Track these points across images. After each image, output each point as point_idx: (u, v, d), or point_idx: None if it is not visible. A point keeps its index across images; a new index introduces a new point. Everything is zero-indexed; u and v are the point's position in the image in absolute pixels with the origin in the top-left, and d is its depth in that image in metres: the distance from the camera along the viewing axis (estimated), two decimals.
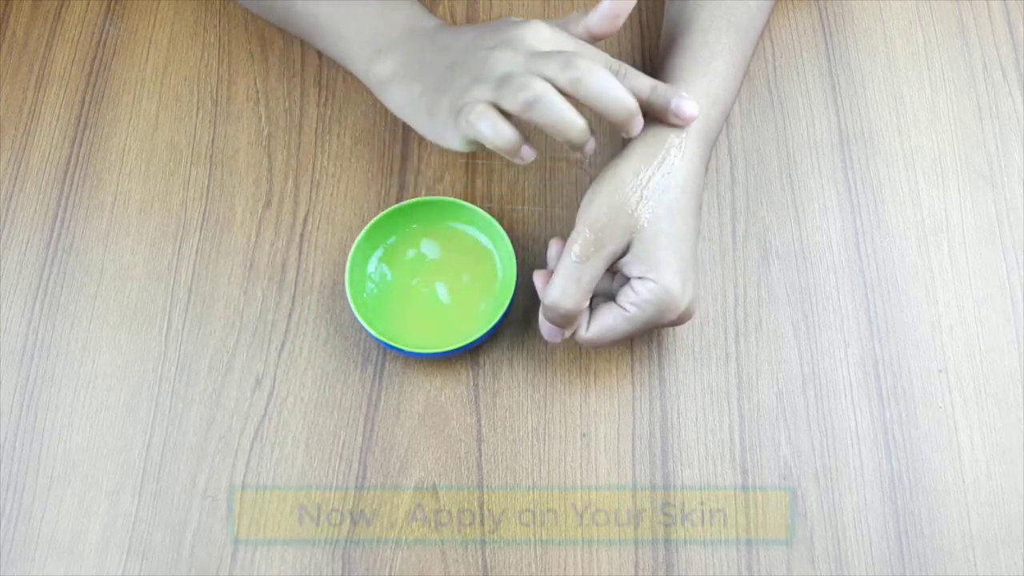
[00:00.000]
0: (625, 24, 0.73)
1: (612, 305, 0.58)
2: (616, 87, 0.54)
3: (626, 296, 0.57)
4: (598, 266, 0.57)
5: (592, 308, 0.59)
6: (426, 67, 0.58)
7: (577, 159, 0.68)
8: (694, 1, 0.64)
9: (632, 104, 0.54)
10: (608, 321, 0.58)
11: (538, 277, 0.60)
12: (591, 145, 0.55)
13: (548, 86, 0.53)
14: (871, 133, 0.69)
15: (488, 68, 0.54)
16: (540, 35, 0.55)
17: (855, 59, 0.72)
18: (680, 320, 0.58)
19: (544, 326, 0.59)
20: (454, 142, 0.56)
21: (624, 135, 0.57)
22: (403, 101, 0.59)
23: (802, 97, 0.70)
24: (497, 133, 0.54)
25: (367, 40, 0.61)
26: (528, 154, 0.55)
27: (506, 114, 0.54)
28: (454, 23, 0.73)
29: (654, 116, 0.59)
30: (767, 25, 0.71)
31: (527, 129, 0.56)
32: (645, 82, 0.57)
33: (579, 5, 0.74)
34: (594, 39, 0.58)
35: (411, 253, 0.65)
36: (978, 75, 0.71)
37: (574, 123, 0.53)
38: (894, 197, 0.67)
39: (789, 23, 0.73)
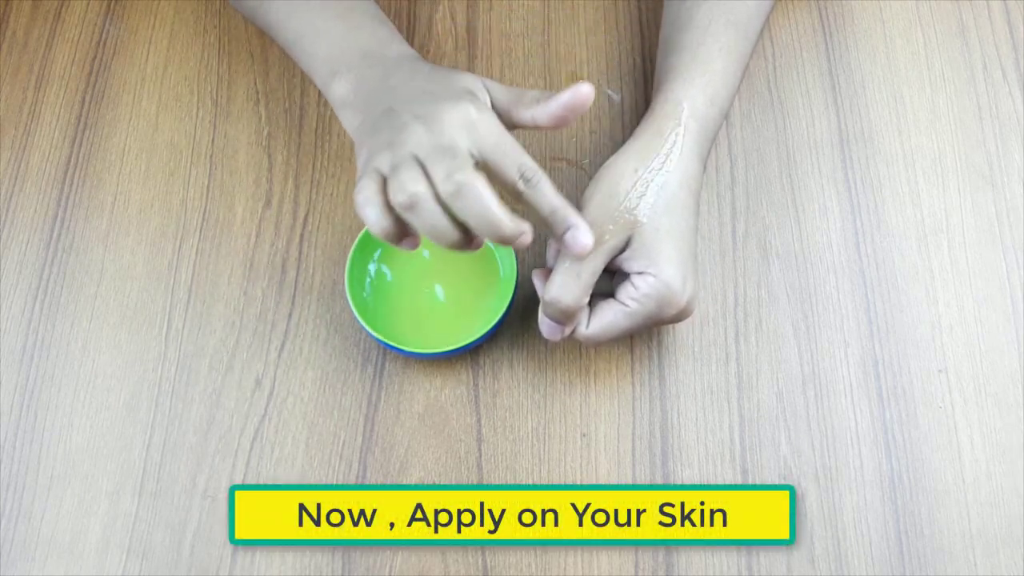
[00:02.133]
0: (624, 25, 0.73)
1: (612, 301, 0.58)
2: (491, 215, 0.50)
3: (626, 292, 0.57)
4: (597, 262, 0.57)
5: (592, 306, 0.59)
6: (372, 102, 0.57)
7: (575, 156, 0.68)
8: (692, 0, 0.64)
9: (504, 231, 0.51)
10: (608, 317, 0.58)
11: (537, 275, 0.60)
12: (475, 248, 0.53)
13: (426, 193, 0.50)
14: (871, 133, 0.69)
15: (401, 139, 0.52)
16: (461, 120, 0.52)
17: (855, 59, 0.72)
18: (680, 316, 0.58)
19: (544, 323, 0.59)
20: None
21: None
22: (350, 127, 0.58)
23: (802, 97, 0.70)
24: (377, 224, 0.52)
25: (325, 59, 0.60)
26: (408, 245, 0.54)
27: None
28: (454, 24, 0.73)
29: (649, 118, 0.60)
30: (767, 25, 0.71)
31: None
32: (548, 202, 0.53)
33: (579, 4, 0.74)
34: (541, 129, 0.56)
35: (411, 253, 0.64)
36: (978, 75, 0.71)
37: (445, 232, 0.51)
38: (894, 197, 0.67)
39: (789, 23, 0.73)
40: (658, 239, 0.57)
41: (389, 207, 0.52)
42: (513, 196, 0.52)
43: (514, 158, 0.52)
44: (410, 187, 0.50)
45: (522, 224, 0.51)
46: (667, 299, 0.57)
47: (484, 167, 0.52)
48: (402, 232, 0.53)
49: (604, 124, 0.70)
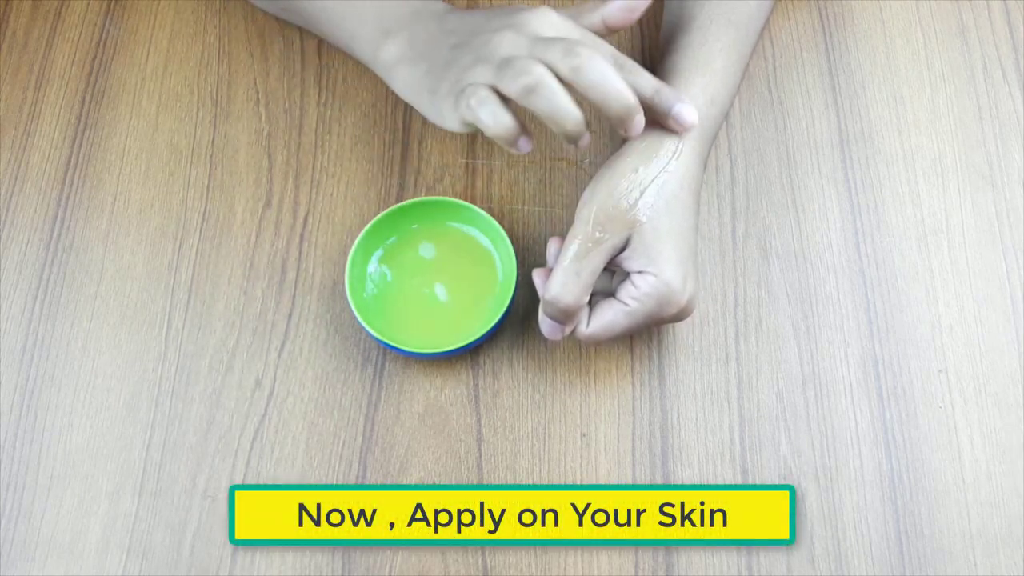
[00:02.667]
0: None
1: (612, 301, 0.58)
2: (616, 81, 0.52)
3: (626, 291, 0.57)
4: (597, 261, 0.57)
5: (592, 305, 0.59)
6: (432, 48, 0.58)
7: (575, 156, 0.68)
8: (693, 0, 0.64)
9: (631, 100, 0.53)
10: (608, 316, 0.58)
11: (537, 275, 0.60)
12: (586, 140, 0.54)
13: (548, 73, 0.51)
14: (871, 133, 0.69)
15: (490, 49, 0.54)
16: (547, 20, 0.54)
17: (855, 59, 0.72)
18: (680, 315, 0.58)
19: (544, 323, 0.59)
20: (453, 123, 0.56)
21: (623, 134, 0.56)
22: (408, 82, 0.59)
23: (802, 97, 0.70)
24: (496, 121, 0.53)
25: (374, 22, 0.61)
26: (524, 146, 0.54)
27: (505, 99, 0.53)
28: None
29: (653, 118, 0.59)
30: (767, 25, 0.71)
31: (526, 119, 0.56)
32: (649, 82, 0.56)
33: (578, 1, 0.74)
34: (607, 32, 0.57)
35: (411, 253, 0.65)
36: (978, 75, 0.71)
37: (571, 113, 0.52)
38: (894, 197, 0.67)
39: (789, 23, 0.73)
40: (658, 238, 0.57)
41: (506, 102, 0.52)
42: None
43: (604, 49, 0.54)
44: (533, 68, 0.51)
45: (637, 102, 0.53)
46: (667, 298, 0.57)
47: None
48: (519, 130, 0.53)
49: (604, 124, 0.70)
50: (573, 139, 0.54)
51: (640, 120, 0.54)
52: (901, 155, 0.69)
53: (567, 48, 0.52)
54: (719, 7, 0.63)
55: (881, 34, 0.73)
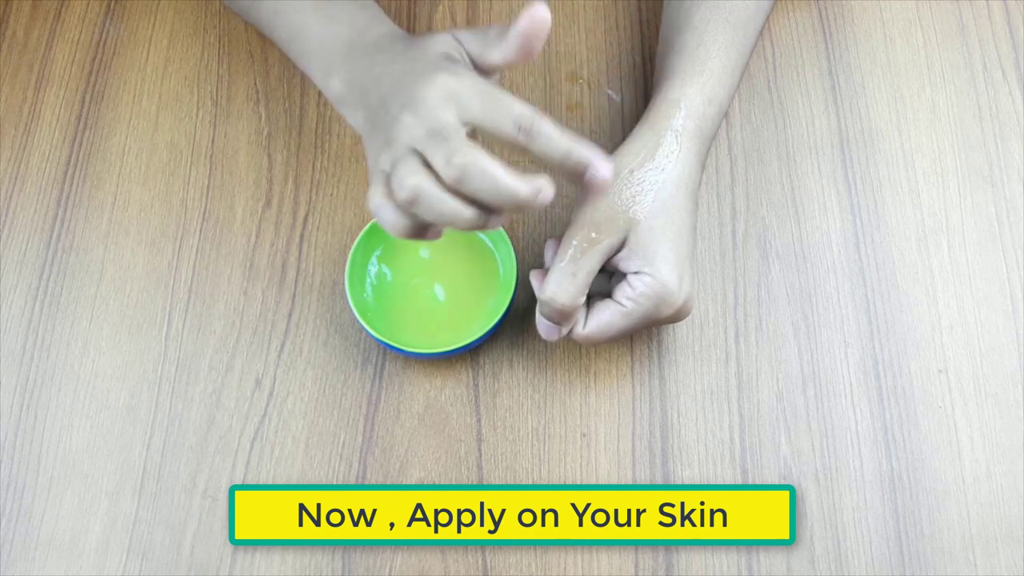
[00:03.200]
0: (624, 25, 0.73)
1: (609, 301, 0.58)
2: (502, 186, 0.48)
3: (623, 291, 0.57)
4: (594, 261, 0.57)
5: (588, 306, 0.59)
6: (365, 95, 0.56)
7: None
8: (691, 1, 0.64)
9: (520, 196, 0.48)
10: (605, 317, 0.58)
11: (535, 276, 0.60)
12: (500, 222, 0.51)
13: (428, 180, 0.49)
14: (871, 133, 0.69)
15: (393, 137, 0.51)
16: (443, 93, 0.50)
17: (855, 59, 0.72)
18: (677, 316, 0.58)
19: (541, 323, 0.59)
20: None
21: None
22: (354, 124, 0.57)
23: (802, 97, 0.70)
24: (392, 226, 0.51)
25: (319, 59, 0.59)
26: (431, 239, 0.53)
27: None
28: (454, 24, 0.73)
29: (647, 117, 0.59)
30: (767, 25, 0.71)
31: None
32: (559, 146, 0.50)
33: (579, 4, 0.74)
34: (512, 65, 0.53)
35: (411, 253, 0.65)
36: (978, 75, 0.71)
37: (458, 215, 0.49)
38: (894, 197, 0.67)
39: (789, 23, 0.73)
40: (654, 239, 0.57)
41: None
42: (519, 151, 0.50)
43: (506, 112, 0.49)
44: (408, 181, 0.49)
45: (536, 181, 0.49)
46: (663, 299, 0.57)
47: (480, 133, 0.50)
48: (422, 228, 0.51)
49: (604, 124, 0.70)
50: (481, 228, 0.51)
51: (545, 196, 0.49)
52: (901, 155, 0.69)
53: (448, 155, 0.48)
54: (717, 8, 0.63)
55: (881, 34, 0.73)
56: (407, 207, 0.50)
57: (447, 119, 0.49)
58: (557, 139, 0.50)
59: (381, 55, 0.56)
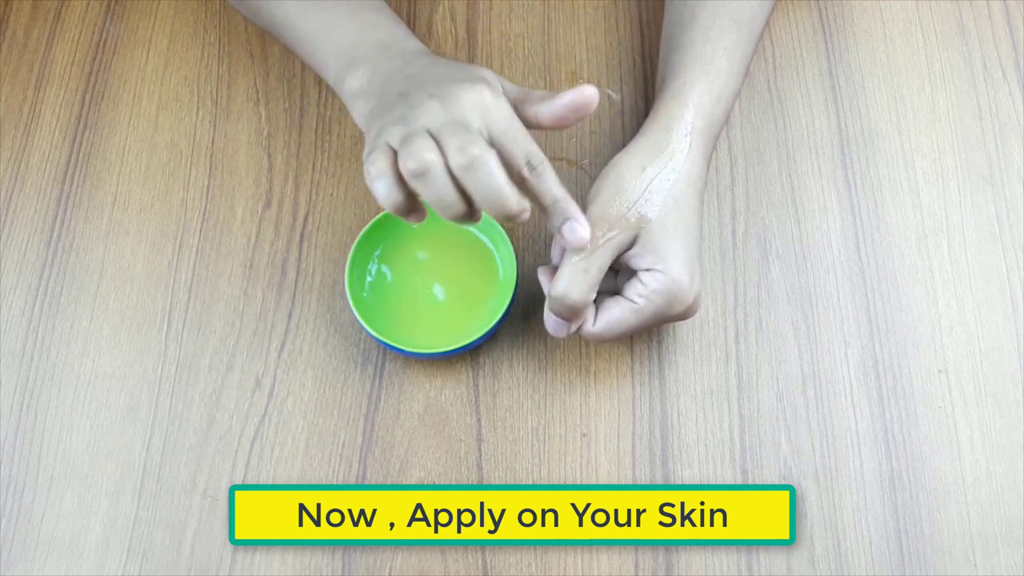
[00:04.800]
0: (624, 25, 0.73)
1: (619, 299, 0.58)
2: (499, 191, 0.51)
3: (634, 288, 0.57)
4: (605, 258, 0.57)
5: (596, 304, 0.59)
6: (386, 88, 0.57)
7: (575, 156, 0.68)
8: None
9: (510, 208, 0.51)
10: (616, 314, 0.58)
11: (542, 272, 0.60)
12: (472, 223, 0.54)
13: (438, 163, 0.51)
14: (871, 133, 0.69)
15: (414, 114, 0.53)
16: (478, 99, 0.53)
17: (855, 59, 0.72)
18: (687, 313, 0.58)
19: (549, 320, 0.59)
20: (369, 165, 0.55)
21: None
22: (361, 114, 0.58)
23: (802, 97, 0.70)
24: (386, 197, 0.52)
25: (343, 52, 0.61)
26: (413, 221, 0.54)
27: None
28: (454, 24, 0.73)
29: (655, 116, 0.59)
30: (767, 24, 0.71)
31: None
32: (550, 191, 0.53)
33: (579, 4, 0.74)
34: (542, 128, 0.55)
35: (411, 253, 0.65)
36: (978, 75, 0.71)
37: (451, 202, 0.52)
38: (894, 197, 0.67)
39: (789, 23, 0.73)
40: (666, 236, 0.57)
41: (401, 180, 0.52)
42: (517, 182, 0.53)
43: (523, 145, 0.53)
44: (423, 155, 0.50)
45: (524, 201, 0.52)
46: (676, 296, 0.57)
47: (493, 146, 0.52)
48: (411, 206, 0.53)
49: (604, 124, 0.70)
50: (459, 220, 0.53)
51: (524, 216, 0.52)
52: (901, 155, 0.69)
53: (463, 144, 0.51)
54: (722, 7, 0.63)
55: (881, 34, 0.73)
56: (411, 178, 0.51)
57: (472, 120, 0.52)
58: (553, 186, 0.53)
59: (419, 60, 0.59)
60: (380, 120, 0.55)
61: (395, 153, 0.52)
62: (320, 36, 0.62)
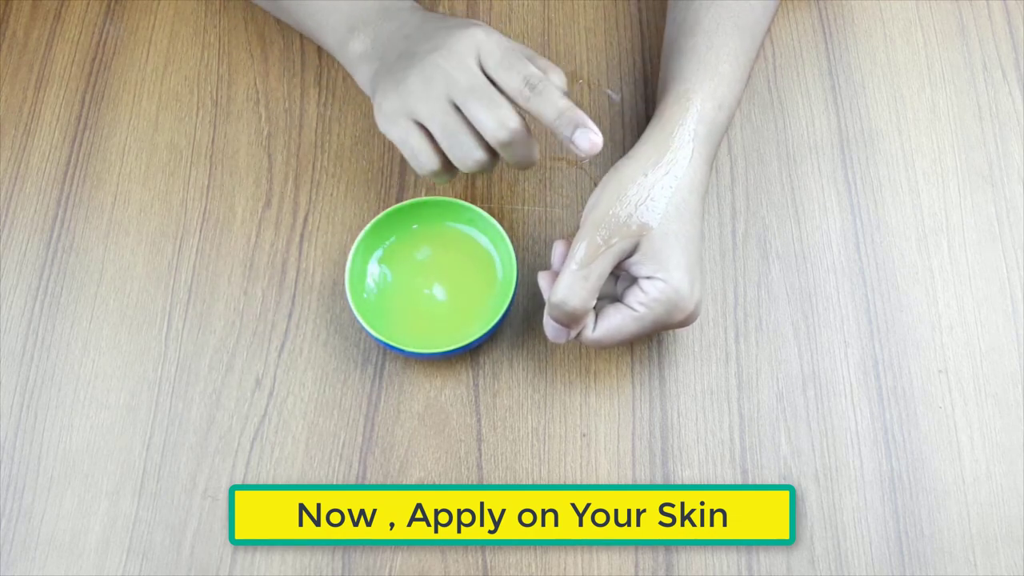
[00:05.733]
0: (624, 25, 0.73)
1: (620, 306, 0.58)
2: (533, 153, 0.58)
3: (635, 296, 0.57)
4: (605, 265, 0.57)
5: (596, 310, 0.59)
6: (388, 48, 0.60)
7: (575, 156, 0.68)
8: (699, 3, 0.64)
9: (502, 136, 0.56)
10: (616, 321, 0.58)
11: (543, 278, 0.59)
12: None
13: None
14: (871, 133, 0.69)
15: (432, 78, 0.56)
16: (471, 43, 0.57)
17: (855, 59, 0.72)
18: (686, 321, 0.58)
19: (549, 326, 0.59)
20: (387, 132, 0.59)
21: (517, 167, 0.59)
22: (365, 77, 0.62)
23: (802, 97, 0.70)
24: (427, 162, 0.58)
25: (344, 17, 0.63)
26: (442, 178, 0.59)
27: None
28: None
29: (655, 121, 0.60)
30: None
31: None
32: (554, 105, 0.56)
33: (579, 4, 0.74)
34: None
35: (411, 253, 0.65)
36: (978, 75, 0.71)
37: (527, 157, 0.58)
38: (894, 197, 0.67)
39: (789, 23, 0.73)
40: (667, 244, 0.57)
41: (437, 148, 0.57)
42: (524, 106, 0.56)
43: (519, 69, 0.56)
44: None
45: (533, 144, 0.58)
46: (676, 304, 0.57)
47: (492, 81, 0.56)
48: (444, 170, 0.58)
49: (604, 124, 0.70)
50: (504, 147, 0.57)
51: (531, 157, 0.58)
52: (901, 155, 0.69)
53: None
54: (726, 11, 0.63)
55: (881, 34, 0.73)
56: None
57: (469, 65, 0.56)
58: (557, 98, 0.56)
59: (413, 17, 0.62)
60: (384, 84, 0.58)
61: (419, 125, 0.57)
62: (320, 10, 0.64)
